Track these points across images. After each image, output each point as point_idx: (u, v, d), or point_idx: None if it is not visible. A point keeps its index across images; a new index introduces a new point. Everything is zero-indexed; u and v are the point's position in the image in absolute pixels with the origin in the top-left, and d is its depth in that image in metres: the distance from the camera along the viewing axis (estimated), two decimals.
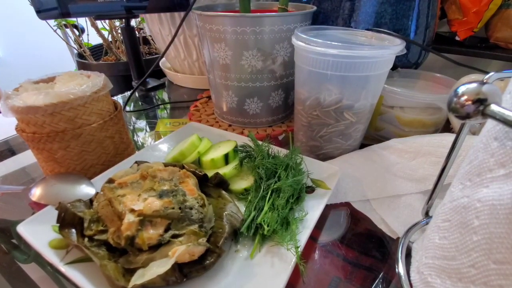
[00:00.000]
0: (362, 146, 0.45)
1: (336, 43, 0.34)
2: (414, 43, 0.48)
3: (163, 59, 0.84)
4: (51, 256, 0.27)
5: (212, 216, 0.31)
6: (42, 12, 0.52)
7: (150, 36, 1.01)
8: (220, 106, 0.56)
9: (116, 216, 0.27)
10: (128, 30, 0.69)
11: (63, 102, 0.34)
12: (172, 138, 0.48)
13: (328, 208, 0.37)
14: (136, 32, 0.75)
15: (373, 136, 0.50)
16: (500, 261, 0.17)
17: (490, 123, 0.20)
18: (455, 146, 0.27)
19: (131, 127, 0.59)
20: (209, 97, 0.67)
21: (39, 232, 0.29)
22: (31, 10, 0.52)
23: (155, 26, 0.71)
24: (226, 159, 0.41)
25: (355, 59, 0.34)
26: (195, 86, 0.76)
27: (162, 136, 0.49)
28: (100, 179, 0.36)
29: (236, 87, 0.50)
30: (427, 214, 0.32)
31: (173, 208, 0.28)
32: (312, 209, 0.34)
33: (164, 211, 0.27)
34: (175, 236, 0.27)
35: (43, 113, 0.34)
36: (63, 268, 0.26)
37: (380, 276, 0.29)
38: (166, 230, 0.27)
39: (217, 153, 0.41)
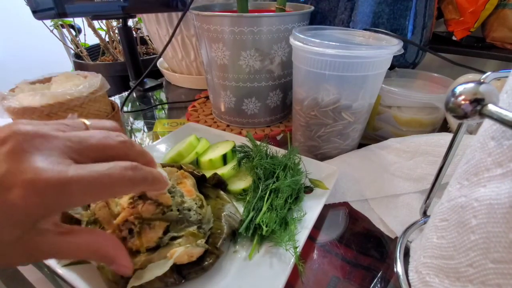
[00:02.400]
0: (360, 145, 0.45)
1: (334, 43, 0.34)
2: (412, 43, 0.48)
3: (161, 59, 0.84)
4: None
5: (210, 217, 0.31)
6: (39, 12, 0.52)
7: (148, 36, 1.01)
8: (218, 106, 0.56)
9: (113, 217, 0.27)
10: (125, 30, 0.68)
11: (59, 103, 0.34)
12: (170, 139, 0.47)
13: (327, 208, 0.37)
14: (134, 32, 0.75)
15: (371, 135, 0.50)
16: (498, 260, 0.17)
17: (487, 123, 0.20)
18: (453, 146, 0.27)
19: (129, 128, 0.59)
20: (207, 97, 0.66)
21: None
22: (27, 10, 0.52)
23: (152, 26, 0.70)
24: (224, 159, 0.40)
25: (352, 59, 0.34)
26: (193, 86, 0.76)
27: (160, 137, 0.49)
28: None
29: (234, 87, 0.50)
30: (425, 214, 0.32)
31: (171, 210, 0.28)
32: (311, 209, 0.34)
33: (163, 214, 0.27)
34: (173, 238, 0.27)
35: (40, 114, 0.34)
36: (60, 270, 0.26)
37: (379, 275, 0.29)
38: (164, 233, 0.27)
39: (215, 153, 0.41)
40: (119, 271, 0.21)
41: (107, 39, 0.94)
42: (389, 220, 0.35)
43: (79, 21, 0.99)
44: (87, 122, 0.20)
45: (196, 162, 0.42)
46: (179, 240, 0.27)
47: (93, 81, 0.38)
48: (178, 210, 0.28)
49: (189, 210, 0.29)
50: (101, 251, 0.19)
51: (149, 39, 1.01)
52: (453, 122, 0.45)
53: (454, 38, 0.59)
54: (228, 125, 0.56)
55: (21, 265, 0.17)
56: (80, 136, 0.18)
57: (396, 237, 0.33)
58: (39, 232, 0.16)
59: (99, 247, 0.19)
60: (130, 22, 0.73)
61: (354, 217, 0.36)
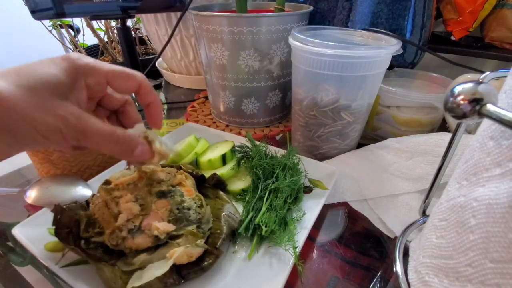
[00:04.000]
0: (359, 145, 0.45)
1: (332, 43, 0.34)
2: (410, 43, 0.48)
3: (160, 59, 0.84)
4: (47, 259, 0.27)
5: (210, 217, 0.31)
6: (37, 13, 0.52)
7: (147, 36, 1.00)
8: (217, 106, 0.56)
9: (113, 217, 0.27)
10: (124, 30, 0.68)
11: None
12: (169, 139, 0.47)
13: (326, 208, 0.37)
14: (132, 32, 0.75)
15: (370, 135, 0.50)
16: (497, 260, 0.17)
17: (486, 123, 0.20)
18: (452, 146, 0.27)
19: None
20: (206, 98, 0.66)
21: (35, 235, 0.29)
22: (26, 11, 0.52)
23: (151, 26, 0.70)
24: (224, 159, 0.40)
25: (352, 59, 0.34)
26: (192, 87, 0.76)
27: None
28: (97, 181, 0.36)
29: (233, 87, 0.50)
30: (424, 213, 0.32)
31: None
32: (310, 209, 0.34)
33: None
34: (173, 237, 0.27)
35: None
36: (59, 271, 0.26)
37: (378, 275, 0.29)
38: None
39: (215, 153, 0.41)
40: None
41: (106, 39, 0.94)
42: (388, 219, 0.35)
43: (77, 21, 0.98)
44: None
45: (196, 163, 0.41)
46: (178, 240, 0.27)
47: None
48: (177, 209, 0.28)
49: (189, 209, 0.29)
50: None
51: (148, 39, 1.01)
52: (452, 122, 0.45)
53: (452, 38, 0.59)
54: (227, 125, 0.56)
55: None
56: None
57: (396, 237, 0.33)
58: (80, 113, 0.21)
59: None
60: (129, 22, 0.73)
61: (354, 217, 0.36)
